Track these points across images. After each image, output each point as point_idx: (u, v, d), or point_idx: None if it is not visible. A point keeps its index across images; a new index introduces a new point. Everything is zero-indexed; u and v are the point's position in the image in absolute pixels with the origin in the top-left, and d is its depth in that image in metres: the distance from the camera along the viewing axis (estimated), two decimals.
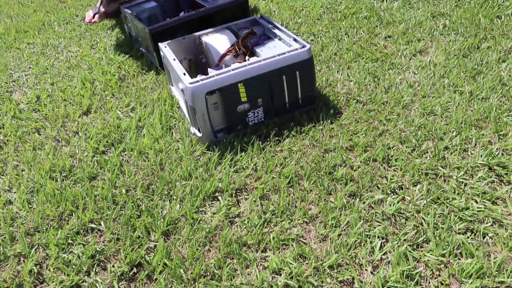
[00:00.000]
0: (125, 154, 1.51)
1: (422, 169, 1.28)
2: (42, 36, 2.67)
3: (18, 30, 2.84)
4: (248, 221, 1.19)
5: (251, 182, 1.32)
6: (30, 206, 1.35)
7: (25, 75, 2.20)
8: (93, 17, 2.70)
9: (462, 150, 1.33)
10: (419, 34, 2.00)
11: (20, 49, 2.55)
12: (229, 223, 1.20)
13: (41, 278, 1.14)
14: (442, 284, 0.99)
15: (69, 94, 1.93)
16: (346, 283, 1.01)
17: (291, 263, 1.06)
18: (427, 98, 1.57)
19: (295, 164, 1.34)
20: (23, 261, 1.18)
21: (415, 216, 1.14)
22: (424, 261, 1.04)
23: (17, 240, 1.23)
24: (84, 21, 2.74)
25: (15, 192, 1.40)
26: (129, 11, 2.16)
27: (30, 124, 1.75)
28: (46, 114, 1.81)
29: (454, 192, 1.20)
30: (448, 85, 1.62)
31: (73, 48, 2.44)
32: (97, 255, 1.17)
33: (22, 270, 1.15)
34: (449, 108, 1.51)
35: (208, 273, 1.07)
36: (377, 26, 2.12)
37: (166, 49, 1.63)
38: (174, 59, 1.54)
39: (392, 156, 1.34)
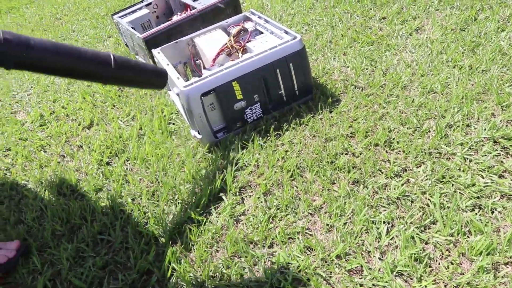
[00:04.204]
0: (129, 163, 1.52)
1: (425, 149, 1.26)
2: None
3: None
4: (253, 218, 1.19)
5: (254, 179, 1.32)
6: (40, 223, 1.36)
7: (27, 95, 2.22)
8: None
9: (465, 126, 1.31)
10: (414, 12, 1.97)
11: None
12: (235, 222, 1.20)
13: None
14: (452, 263, 0.97)
15: (71, 110, 1.94)
16: (354, 272, 1.01)
17: (298, 256, 1.05)
18: (426, 76, 1.55)
19: (296, 157, 1.34)
20: (37, 277, 1.19)
21: (421, 198, 1.13)
22: (433, 242, 1.02)
23: (30, 257, 1.25)
24: None
25: (25, 212, 1.42)
26: (123, 21, 2.16)
27: (35, 143, 1.77)
28: (50, 132, 1.83)
29: (459, 169, 1.18)
30: (447, 61, 1.60)
31: None
32: (108, 265, 1.18)
33: (36, 287, 1.16)
34: (449, 84, 1.48)
35: (217, 273, 1.07)
36: (371, 9, 2.09)
37: (159, 55, 1.63)
38: (168, 64, 1.53)
39: (393, 139, 1.32)
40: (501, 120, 1.29)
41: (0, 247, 1.25)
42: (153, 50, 1.67)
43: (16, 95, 2.25)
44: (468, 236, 1.02)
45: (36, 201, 1.45)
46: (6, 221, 1.40)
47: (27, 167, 1.65)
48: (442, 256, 1.00)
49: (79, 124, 1.83)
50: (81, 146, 1.69)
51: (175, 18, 2.15)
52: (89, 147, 1.66)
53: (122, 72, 1.14)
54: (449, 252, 1.00)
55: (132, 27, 2.08)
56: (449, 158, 1.22)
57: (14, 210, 1.44)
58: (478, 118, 1.32)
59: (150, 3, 2.29)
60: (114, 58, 1.11)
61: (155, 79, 1.27)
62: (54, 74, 1.06)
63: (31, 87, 2.29)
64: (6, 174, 1.65)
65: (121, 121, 1.76)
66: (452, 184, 1.14)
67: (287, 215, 1.17)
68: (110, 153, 1.59)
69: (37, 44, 0.97)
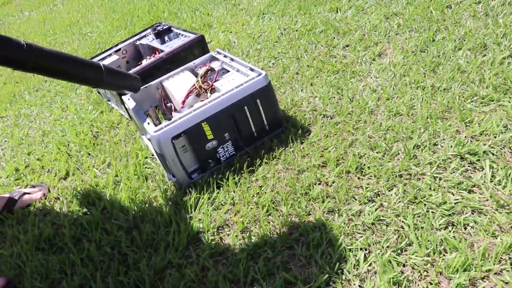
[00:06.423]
0: (107, 212, 1.51)
1: (395, 172, 1.28)
2: (14, 108, 2.69)
3: None
4: (232, 257, 1.19)
5: (231, 217, 1.32)
6: (19, 281, 1.34)
7: (1, 149, 2.21)
8: None
9: (432, 145, 1.34)
10: (376, 37, 2.03)
11: None
12: (214, 262, 1.20)
13: None
14: (431, 284, 0.99)
15: (46, 161, 1.94)
16: None
17: None
18: (391, 99, 1.59)
19: (271, 191, 1.35)
20: None
21: (395, 221, 1.15)
22: (410, 264, 1.04)
23: None
24: None
25: (3, 271, 1.40)
26: None
27: None
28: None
29: (430, 188, 1.21)
30: (410, 83, 1.65)
31: (45, 114, 2.46)
32: None
33: None
34: (413, 106, 1.53)
35: None
36: (334, 38, 2.15)
37: (129, 101, 1.64)
38: (138, 110, 1.55)
39: (364, 164, 1.35)
40: (465, 136, 1.33)
41: None
42: (123, 97, 1.69)
43: None
44: (444, 255, 1.04)
45: (13, 258, 1.42)
46: None
47: (4, 222, 1.63)
48: (421, 277, 1.01)
49: (55, 175, 1.82)
50: (58, 198, 1.68)
51: (145, 62, 2.18)
52: (66, 198, 1.65)
53: (111, 77, 1.38)
54: (427, 272, 1.02)
55: None
56: (420, 179, 1.25)
57: None
58: (444, 137, 1.36)
59: (119, 49, 2.32)
60: (104, 65, 1.35)
61: (135, 83, 1.54)
62: (58, 77, 1.25)
63: (5, 141, 2.28)
64: None
65: (97, 169, 1.76)
66: (424, 204, 1.17)
67: (265, 251, 1.18)
68: (88, 202, 1.58)
69: (48, 52, 1.17)
